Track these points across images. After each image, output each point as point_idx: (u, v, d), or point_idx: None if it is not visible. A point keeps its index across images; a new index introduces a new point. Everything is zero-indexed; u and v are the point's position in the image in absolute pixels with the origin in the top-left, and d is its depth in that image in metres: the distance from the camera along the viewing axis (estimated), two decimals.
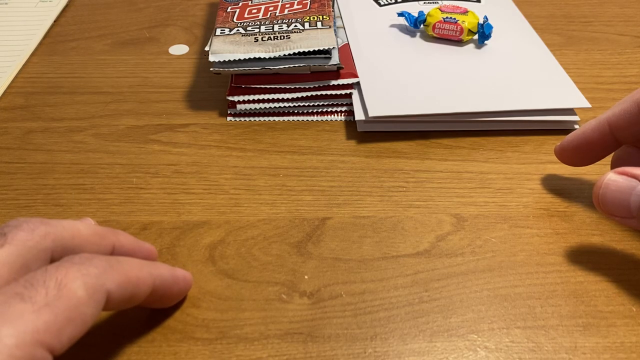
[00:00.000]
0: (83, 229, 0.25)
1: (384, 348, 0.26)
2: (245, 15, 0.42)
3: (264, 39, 0.39)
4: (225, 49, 0.38)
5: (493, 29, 0.44)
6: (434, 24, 0.45)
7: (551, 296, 0.29)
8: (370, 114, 0.38)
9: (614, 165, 0.32)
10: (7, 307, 0.20)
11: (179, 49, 0.48)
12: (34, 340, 0.19)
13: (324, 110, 0.41)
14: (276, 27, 0.40)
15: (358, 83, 0.41)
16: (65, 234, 0.24)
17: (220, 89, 0.43)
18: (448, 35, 0.45)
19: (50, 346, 0.20)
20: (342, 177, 0.36)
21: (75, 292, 0.21)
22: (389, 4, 0.51)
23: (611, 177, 0.27)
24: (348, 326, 0.27)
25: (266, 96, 0.39)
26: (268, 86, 0.39)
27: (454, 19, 0.44)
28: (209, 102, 0.42)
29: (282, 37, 0.39)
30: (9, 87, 0.44)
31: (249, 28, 0.40)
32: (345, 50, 0.43)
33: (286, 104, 0.40)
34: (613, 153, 0.32)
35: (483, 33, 0.44)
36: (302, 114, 0.41)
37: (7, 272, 0.22)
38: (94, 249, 0.25)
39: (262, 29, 0.40)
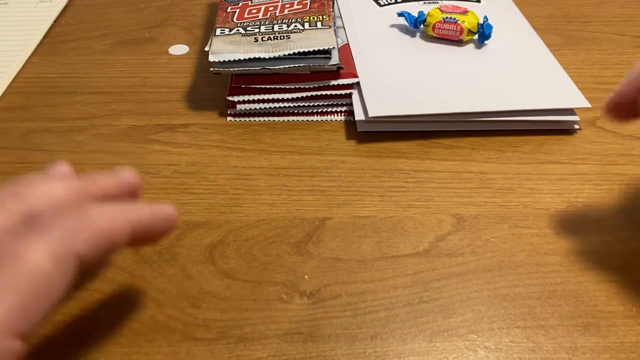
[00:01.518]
0: (58, 190, 0.23)
1: (384, 348, 0.26)
2: (245, 15, 0.42)
3: (264, 39, 0.39)
4: (225, 49, 0.38)
5: (493, 29, 0.44)
6: (434, 24, 0.45)
7: (551, 296, 0.29)
8: (370, 114, 0.38)
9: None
10: None
11: (179, 49, 0.48)
12: None
13: (324, 110, 0.41)
14: (276, 27, 0.40)
15: (358, 83, 0.40)
16: (40, 203, 0.22)
17: (220, 89, 0.43)
18: (448, 35, 0.45)
19: (19, 331, 0.19)
20: (342, 177, 0.36)
21: (39, 265, 0.19)
22: (389, 4, 0.51)
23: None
24: (348, 326, 0.27)
25: (266, 96, 0.39)
26: (268, 86, 0.39)
27: (454, 19, 0.44)
28: (209, 102, 0.42)
29: (282, 37, 0.39)
30: (9, 87, 0.44)
31: (249, 28, 0.40)
32: (345, 50, 0.43)
33: (286, 104, 0.40)
34: None
35: (483, 33, 0.44)
36: (302, 114, 0.41)
37: None
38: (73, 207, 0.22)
39: (262, 29, 0.40)
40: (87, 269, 0.22)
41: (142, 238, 0.24)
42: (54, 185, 0.23)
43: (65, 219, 0.21)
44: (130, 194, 0.26)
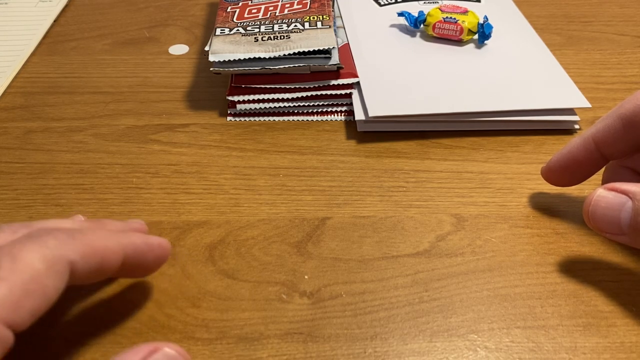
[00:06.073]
0: (67, 224, 0.26)
1: (384, 348, 0.26)
2: (245, 15, 0.42)
3: (264, 38, 0.39)
4: (225, 48, 0.38)
5: (493, 29, 0.44)
6: (434, 24, 0.45)
7: (551, 296, 0.29)
8: (370, 114, 0.38)
9: (605, 181, 0.32)
10: None
11: (179, 49, 0.48)
12: None
13: (324, 110, 0.41)
14: (276, 27, 0.40)
15: (358, 83, 0.41)
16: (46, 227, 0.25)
17: (220, 89, 0.43)
18: (448, 35, 0.45)
19: (9, 320, 0.20)
20: (342, 177, 0.36)
21: (32, 264, 0.21)
22: (389, 4, 0.51)
23: (601, 194, 0.27)
24: (348, 326, 0.27)
25: (266, 96, 0.39)
26: (268, 86, 0.39)
27: (454, 18, 0.44)
28: (209, 102, 0.42)
29: (282, 37, 0.39)
30: (9, 87, 0.44)
31: (249, 28, 0.40)
32: (345, 50, 0.43)
33: (286, 104, 0.40)
34: (603, 169, 0.32)
35: (483, 33, 0.44)
36: (302, 114, 0.41)
37: None
38: None
39: (262, 28, 0.40)
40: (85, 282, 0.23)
41: (133, 264, 0.25)
42: (64, 220, 0.26)
43: (58, 231, 0.23)
44: None
